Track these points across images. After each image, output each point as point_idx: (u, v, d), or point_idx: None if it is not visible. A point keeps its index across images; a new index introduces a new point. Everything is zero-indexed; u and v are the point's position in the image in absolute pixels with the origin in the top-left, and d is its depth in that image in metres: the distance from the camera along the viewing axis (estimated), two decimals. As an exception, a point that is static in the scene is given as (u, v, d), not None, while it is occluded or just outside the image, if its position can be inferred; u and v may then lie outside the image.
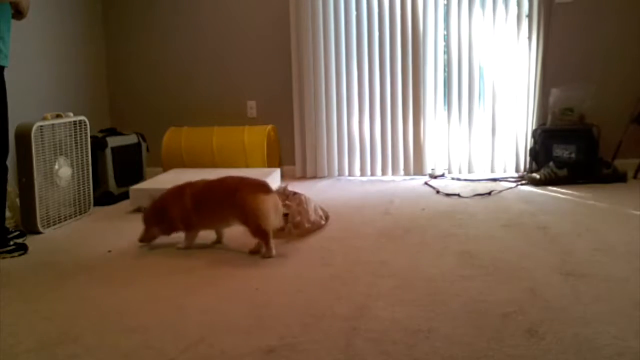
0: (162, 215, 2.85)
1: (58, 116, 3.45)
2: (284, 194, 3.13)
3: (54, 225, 3.36)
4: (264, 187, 2.73)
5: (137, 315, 2.09)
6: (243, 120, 4.78)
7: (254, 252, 2.73)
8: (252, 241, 2.75)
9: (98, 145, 3.94)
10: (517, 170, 4.52)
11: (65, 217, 3.47)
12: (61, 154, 3.43)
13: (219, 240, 2.95)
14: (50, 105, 4.03)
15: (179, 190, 2.87)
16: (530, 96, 4.45)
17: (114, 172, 4.03)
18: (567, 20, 4.38)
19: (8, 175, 2.92)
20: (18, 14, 2.90)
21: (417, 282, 2.32)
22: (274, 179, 4.08)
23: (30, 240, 3.09)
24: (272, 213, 2.66)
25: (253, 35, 4.76)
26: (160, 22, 4.87)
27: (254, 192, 2.68)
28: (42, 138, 3.26)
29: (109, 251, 2.86)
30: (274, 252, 2.67)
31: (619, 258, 2.53)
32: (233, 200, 2.68)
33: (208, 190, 2.82)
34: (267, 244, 2.67)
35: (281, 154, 4.83)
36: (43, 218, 3.27)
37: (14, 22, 2.88)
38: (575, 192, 3.83)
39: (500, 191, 3.94)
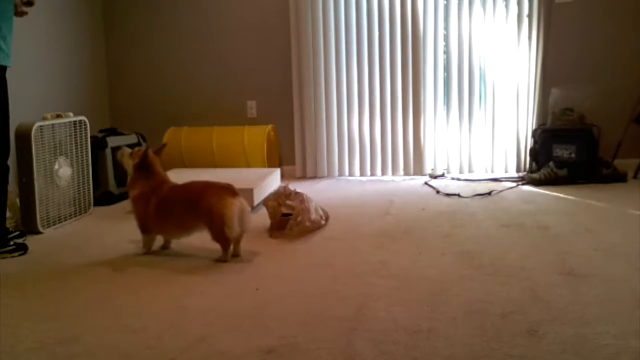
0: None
1: (58, 116, 3.45)
2: (284, 193, 3.14)
3: (54, 225, 3.36)
4: (230, 191, 2.64)
5: (137, 315, 2.09)
6: (243, 120, 4.78)
7: (235, 255, 2.70)
8: (246, 244, 2.76)
9: (98, 145, 3.94)
10: (517, 170, 4.52)
11: (65, 217, 3.47)
12: (61, 154, 3.43)
13: (165, 246, 2.88)
14: (50, 105, 4.02)
15: (148, 192, 2.77)
16: (530, 96, 4.45)
17: (114, 172, 4.03)
18: (567, 20, 4.38)
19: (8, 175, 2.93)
20: (28, 4, 2.89)
21: (417, 282, 2.32)
22: (274, 179, 4.08)
23: (30, 240, 3.09)
24: (237, 218, 2.59)
25: (253, 36, 4.76)
26: (160, 23, 4.87)
27: (220, 195, 2.61)
28: (42, 138, 3.26)
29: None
30: (229, 257, 2.64)
31: (619, 258, 2.53)
32: (199, 205, 2.61)
33: (173, 197, 2.73)
34: (225, 249, 2.63)
35: (281, 154, 4.83)
36: (43, 218, 3.27)
37: (15, 21, 2.88)
38: (575, 192, 3.83)
39: (500, 191, 3.94)
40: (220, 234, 2.60)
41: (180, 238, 2.84)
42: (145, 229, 2.78)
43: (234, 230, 2.59)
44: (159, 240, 2.87)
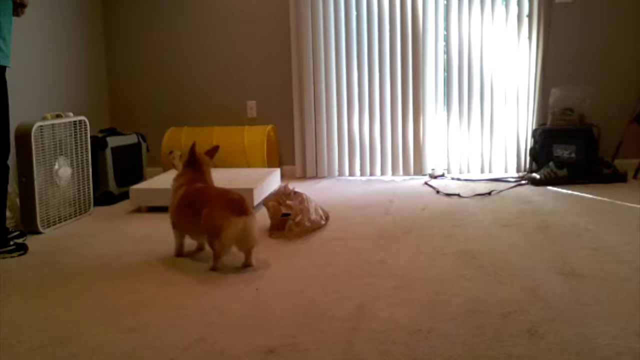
0: None
1: (58, 116, 3.45)
2: (284, 193, 3.14)
3: (54, 225, 3.36)
4: (238, 207, 2.50)
5: (137, 315, 2.09)
6: (243, 120, 4.78)
7: (245, 265, 2.57)
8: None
9: (98, 145, 3.94)
10: (517, 170, 4.52)
11: (65, 217, 3.47)
12: (61, 154, 3.43)
13: (200, 247, 2.83)
14: (50, 105, 4.02)
15: (179, 187, 2.77)
16: (530, 96, 4.45)
17: (114, 172, 4.03)
18: (567, 20, 4.38)
19: (8, 175, 2.93)
20: (21, 6, 2.89)
21: (417, 282, 2.32)
22: (274, 179, 4.08)
23: (30, 240, 3.09)
24: (236, 237, 2.48)
25: (253, 35, 4.76)
26: (160, 22, 4.87)
27: (225, 210, 2.49)
28: (42, 138, 3.26)
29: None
30: (218, 266, 2.54)
31: (619, 258, 2.53)
32: (203, 213, 2.53)
33: (192, 197, 2.67)
34: (215, 258, 2.54)
35: (281, 154, 4.83)
36: (43, 218, 3.27)
37: (15, 22, 2.88)
38: (575, 192, 3.83)
39: (500, 191, 3.94)
40: (213, 245, 2.54)
41: (197, 240, 2.79)
42: (172, 222, 2.76)
43: (226, 248, 2.51)
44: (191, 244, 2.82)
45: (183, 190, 2.73)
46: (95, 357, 1.80)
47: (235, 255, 2.58)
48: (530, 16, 4.38)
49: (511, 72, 4.46)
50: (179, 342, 1.86)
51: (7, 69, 2.84)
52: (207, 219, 2.53)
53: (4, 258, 2.82)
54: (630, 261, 2.48)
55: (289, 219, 3.04)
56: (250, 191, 3.50)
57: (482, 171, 4.58)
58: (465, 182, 4.32)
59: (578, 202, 3.61)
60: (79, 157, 3.59)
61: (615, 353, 1.69)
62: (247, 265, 2.57)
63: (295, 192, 3.15)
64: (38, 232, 3.24)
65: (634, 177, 4.22)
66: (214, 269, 2.55)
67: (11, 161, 2.98)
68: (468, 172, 4.59)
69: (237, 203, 2.53)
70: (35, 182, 3.21)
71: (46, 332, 1.98)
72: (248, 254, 2.58)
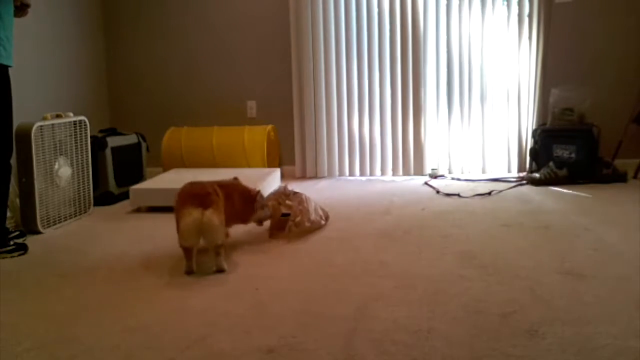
0: None
1: (58, 116, 3.45)
2: (284, 193, 3.14)
3: (54, 225, 3.36)
4: (198, 200, 2.47)
5: (137, 315, 2.09)
6: (243, 120, 4.78)
7: (218, 270, 2.50)
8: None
9: (98, 145, 3.94)
10: (517, 170, 4.52)
11: (65, 217, 3.47)
12: (61, 154, 3.43)
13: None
14: (50, 105, 4.02)
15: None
16: (530, 96, 4.45)
17: (114, 172, 4.03)
18: (567, 20, 4.38)
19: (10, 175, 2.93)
20: (24, 6, 2.89)
21: (417, 282, 2.32)
22: (274, 179, 4.08)
23: (30, 240, 3.09)
24: (193, 230, 2.42)
25: (253, 36, 4.76)
26: (160, 22, 4.87)
27: (184, 203, 2.48)
28: (42, 138, 3.26)
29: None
30: (188, 268, 2.49)
31: (619, 258, 2.53)
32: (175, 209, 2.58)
33: (178, 197, 2.64)
34: (185, 257, 2.50)
35: (281, 154, 4.83)
36: (43, 218, 3.27)
37: (15, 21, 2.88)
38: (575, 192, 3.83)
39: (500, 191, 3.94)
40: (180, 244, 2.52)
41: None
42: None
43: (186, 240, 2.46)
44: None
45: (179, 191, 2.73)
46: (94, 357, 1.80)
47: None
48: (530, 16, 4.38)
49: (511, 72, 4.46)
50: (179, 342, 1.86)
51: (9, 68, 2.84)
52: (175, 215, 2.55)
53: (4, 258, 2.82)
54: (630, 261, 2.48)
55: (289, 220, 3.04)
56: (250, 191, 3.49)
57: (482, 171, 4.58)
58: (465, 182, 4.32)
59: (578, 202, 3.61)
60: (79, 157, 3.59)
61: (615, 353, 1.69)
62: (218, 270, 2.49)
63: (295, 193, 3.15)
64: (38, 232, 3.24)
65: (634, 177, 4.23)
66: (188, 272, 2.48)
67: (11, 161, 2.98)
68: (468, 172, 4.59)
69: (200, 197, 2.50)
70: (35, 182, 3.21)
71: (46, 332, 1.98)
72: (216, 254, 2.50)
